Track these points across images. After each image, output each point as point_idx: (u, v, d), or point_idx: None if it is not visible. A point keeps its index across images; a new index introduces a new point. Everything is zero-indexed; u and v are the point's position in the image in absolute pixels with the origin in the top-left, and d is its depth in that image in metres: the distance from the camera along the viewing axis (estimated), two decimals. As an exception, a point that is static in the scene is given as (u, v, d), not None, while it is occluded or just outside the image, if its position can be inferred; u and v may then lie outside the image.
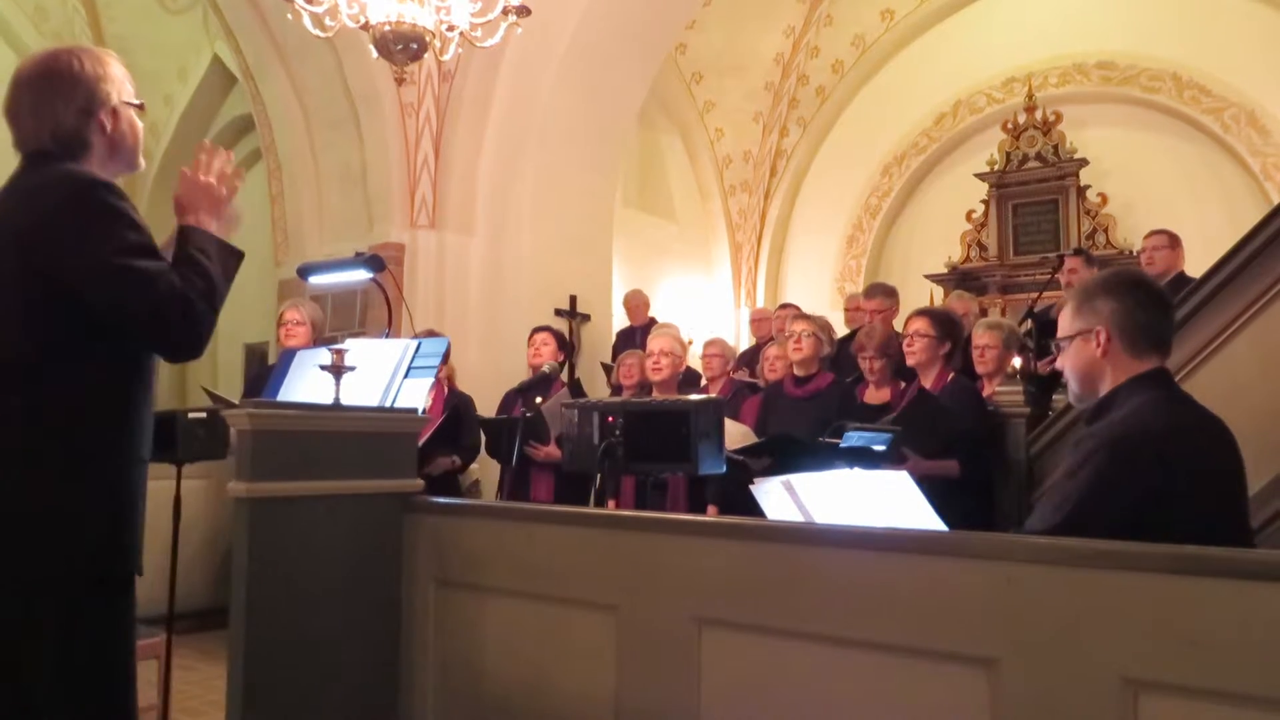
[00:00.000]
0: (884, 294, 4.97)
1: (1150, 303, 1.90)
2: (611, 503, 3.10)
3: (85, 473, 1.73)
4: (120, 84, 1.88)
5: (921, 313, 3.97)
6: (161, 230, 1.90)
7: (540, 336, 4.92)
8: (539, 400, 4.46)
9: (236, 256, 1.92)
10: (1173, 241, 5.03)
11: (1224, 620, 1.36)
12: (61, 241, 1.70)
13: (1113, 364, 1.88)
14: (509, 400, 4.80)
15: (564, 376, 5.46)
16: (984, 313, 6.95)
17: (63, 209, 1.72)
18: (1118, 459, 1.75)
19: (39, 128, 1.80)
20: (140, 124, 1.94)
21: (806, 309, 5.54)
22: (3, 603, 1.72)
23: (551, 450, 4.34)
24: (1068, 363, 1.98)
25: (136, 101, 1.92)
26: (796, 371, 4.14)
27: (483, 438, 4.65)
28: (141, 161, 1.98)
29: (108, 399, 1.77)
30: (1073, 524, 1.73)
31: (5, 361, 1.72)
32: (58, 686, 1.71)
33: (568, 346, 5.09)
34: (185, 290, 1.75)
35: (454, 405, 4.51)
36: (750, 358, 6.52)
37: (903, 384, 3.93)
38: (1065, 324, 1.98)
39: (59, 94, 1.80)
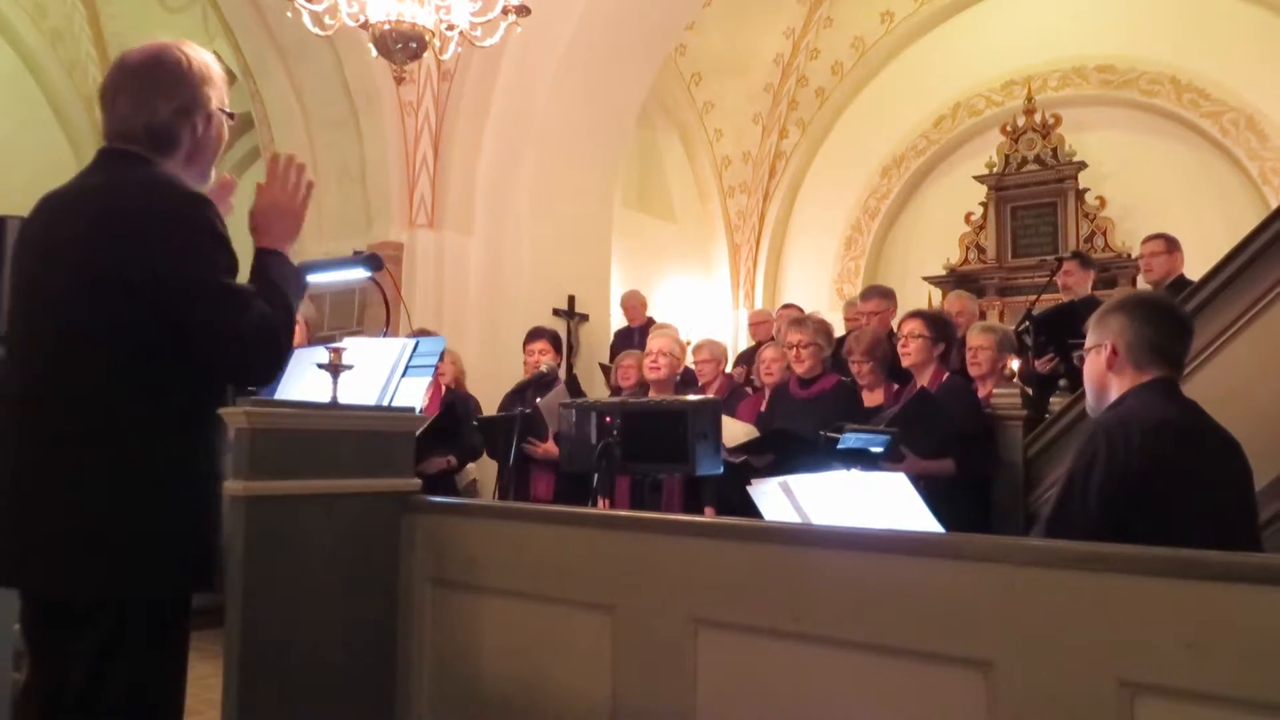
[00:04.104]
0: (880, 295, 4.97)
1: (1160, 321, 2.01)
2: (603, 502, 3.09)
3: (160, 490, 1.67)
4: (221, 90, 1.85)
5: (915, 314, 3.97)
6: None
7: (538, 345, 4.83)
8: (536, 399, 4.45)
9: (304, 286, 1.91)
10: (1170, 245, 4.99)
11: (1222, 624, 1.36)
12: (163, 256, 1.64)
13: (1118, 375, 2.02)
14: (508, 403, 4.79)
15: (560, 375, 5.40)
16: (982, 315, 6.94)
17: (169, 222, 1.67)
18: (1111, 440, 1.86)
19: (134, 116, 1.76)
20: (226, 134, 1.90)
21: (805, 311, 5.54)
22: (68, 620, 1.68)
23: (550, 447, 4.33)
24: (1085, 373, 2.13)
25: (229, 110, 1.89)
26: (801, 375, 4.14)
27: (480, 439, 4.62)
28: (213, 175, 1.92)
29: (182, 415, 1.72)
30: (1074, 509, 1.85)
31: (81, 376, 1.66)
32: (105, 705, 1.67)
33: (564, 349, 5.03)
34: (272, 321, 1.73)
35: (449, 403, 4.48)
36: (749, 357, 6.51)
37: (895, 386, 3.93)
38: (1087, 338, 2.12)
39: (162, 88, 1.77)
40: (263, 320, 1.72)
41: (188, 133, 1.80)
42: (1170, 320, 2.03)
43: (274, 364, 1.80)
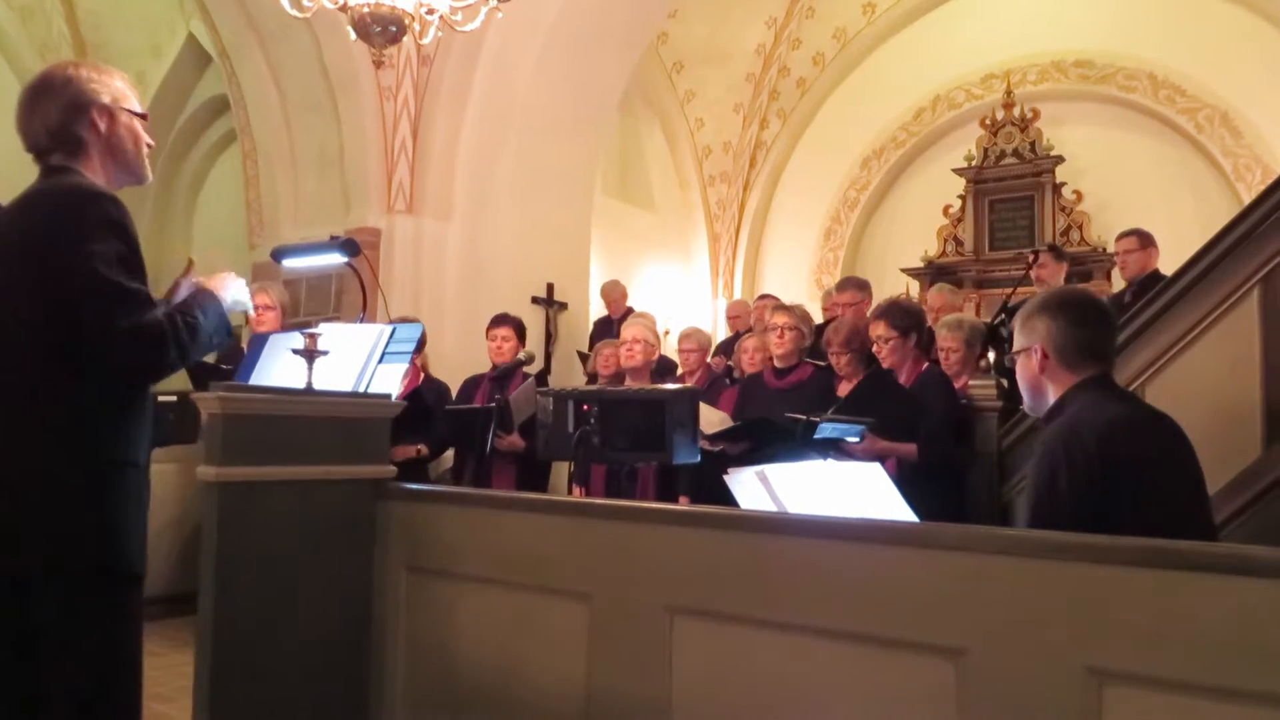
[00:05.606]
0: (856, 287, 4.99)
1: (1084, 319, 2.02)
2: (579, 490, 3.10)
3: (78, 477, 1.75)
4: (114, 88, 1.95)
5: (878, 316, 3.91)
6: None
7: (501, 332, 4.75)
8: (503, 391, 4.44)
9: (228, 334, 1.99)
10: (1144, 242, 5.04)
11: (1188, 612, 1.38)
12: (58, 249, 1.75)
13: (1051, 377, 2.04)
14: (469, 386, 4.75)
15: (529, 367, 5.31)
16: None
17: (62, 217, 1.78)
18: (1069, 450, 1.87)
19: (33, 125, 1.90)
20: (144, 134, 2.00)
21: (784, 300, 5.55)
22: (13, 596, 1.74)
23: (515, 440, 4.32)
24: (1018, 376, 2.13)
25: (137, 109, 1.98)
26: (777, 364, 4.15)
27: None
28: (148, 172, 2.04)
29: (102, 406, 1.80)
30: (1046, 519, 1.85)
31: (11, 373, 1.76)
32: (59, 684, 1.73)
33: (527, 338, 4.94)
34: (168, 327, 1.80)
35: (415, 391, 4.43)
36: (728, 347, 6.52)
37: (874, 375, 3.95)
38: (1015, 341, 2.13)
39: (50, 92, 1.91)
40: (156, 321, 1.78)
41: (89, 130, 1.90)
42: (1094, 317, 2.04)
43: (150, 365, 1.81)
